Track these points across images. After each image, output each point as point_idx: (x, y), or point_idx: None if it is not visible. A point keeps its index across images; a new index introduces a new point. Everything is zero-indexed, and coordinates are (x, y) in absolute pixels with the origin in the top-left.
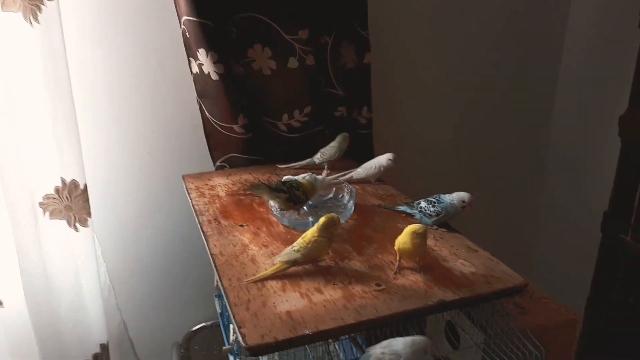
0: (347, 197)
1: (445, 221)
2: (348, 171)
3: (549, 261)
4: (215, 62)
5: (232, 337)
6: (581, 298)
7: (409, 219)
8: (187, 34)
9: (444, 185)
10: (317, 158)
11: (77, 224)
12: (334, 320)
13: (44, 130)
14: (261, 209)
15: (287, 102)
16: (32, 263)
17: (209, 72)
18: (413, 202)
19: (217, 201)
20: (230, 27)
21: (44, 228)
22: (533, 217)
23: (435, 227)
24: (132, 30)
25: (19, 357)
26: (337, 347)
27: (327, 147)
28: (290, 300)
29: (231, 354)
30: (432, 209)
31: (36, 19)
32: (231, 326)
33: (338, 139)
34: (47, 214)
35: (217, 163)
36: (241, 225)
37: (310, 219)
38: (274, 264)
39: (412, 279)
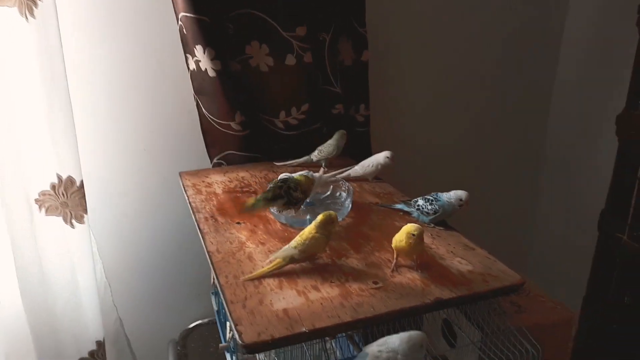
0: (344, 195)
1: (443, 219)
2: (345, 169)
3: (546, 259)
4: (212, 59)
5: (228, 335)
6: (578, 296)
7: (407, 217)
8: (184, 30)
9: (442, 184)
10: (315, 156)
11: (73, 221)
12: (331, 318)
13: (40, 126)
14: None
15: (285, 100)
16: (28, 260)
17: (206, 69)
18: (410, 200)
19: (214, 198)
20: (228, 24)
21: (39, 225)
22: (530, 215)
23: (433, 225)
24: (129, 27)
25: (14, 354)
26: (333, 344)
27: (325, 144)
28: (287, 298)
29: (228, 352)
30: (429, 207)
31: (32, 14)
32: (228, 324)
33: (335, 136)
34: (43, 210)
35: (214, 160)
36: (238, 223)
37: (308, 216)
38: (271, 261)
39: (409, 277)
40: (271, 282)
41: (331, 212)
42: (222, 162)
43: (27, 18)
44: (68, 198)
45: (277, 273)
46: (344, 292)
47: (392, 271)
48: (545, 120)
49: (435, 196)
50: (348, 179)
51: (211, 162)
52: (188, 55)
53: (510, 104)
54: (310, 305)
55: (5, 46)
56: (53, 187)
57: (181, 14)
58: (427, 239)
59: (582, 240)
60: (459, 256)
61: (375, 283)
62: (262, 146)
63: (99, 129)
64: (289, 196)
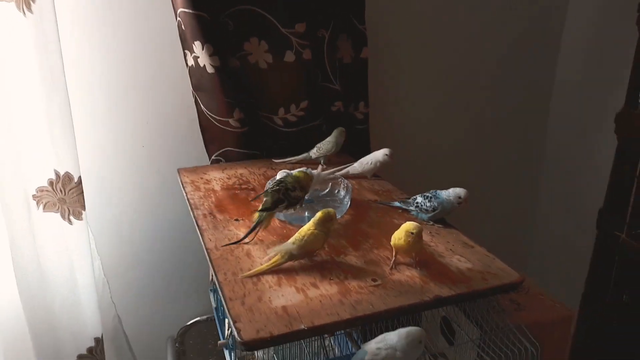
0: (343, 193)
1: (442, 217)
2: (344, 166)
3: (545, 258)
4: (211, 55)
5: (227, 332)
6: (576, 295)
7: (405, 214)
8: (182, 26)
9: (441, 182)
10: (314, 153)
11: (71, 217)
12: (330, 315)
13: (38, 122)
14: (257, 203)
15: (284, 96)
16: (26, 257)
17: (204, 65)
18: (409, 198)
19: (212, 195)
20: (227, 20)
21: (37, 221)
22: (529, 213)
23: (432, 222)
24: (127, 23)
25: (13, 351)
26: (332, 342)
27: (324, 142)
28: (285, 295)
29: (226, 349)
30: (428, 205)
31: (29, 9)
32: (226, 321)
33: (334, 133)
34: (41, 206)
35: (213, 157)
36: (236, 220)
37: (306, 213)
38: (269, 258)
39: (408, 275)
40: (270, 279)
41: (330, 209)
42: (221, 158)
43: (24, 13)
44: (66, 194)
45: (276, 270)
46: (342, 290)
47: (391, 269)
48: (545, 120)
49: (434, 193)
50: (347, 176)
51: (209, 159)
52: (187, 51)
53: (510, 103)
54: (309, 302)
55: (3, 41)
56: (51, 183)
57: (180, 10)
58: (426, 237)
59: (580, 238)
60: (458, 254)
61: (374, 280)
62: (260, 143)
63: (97, 125)
64: (288, 198)
